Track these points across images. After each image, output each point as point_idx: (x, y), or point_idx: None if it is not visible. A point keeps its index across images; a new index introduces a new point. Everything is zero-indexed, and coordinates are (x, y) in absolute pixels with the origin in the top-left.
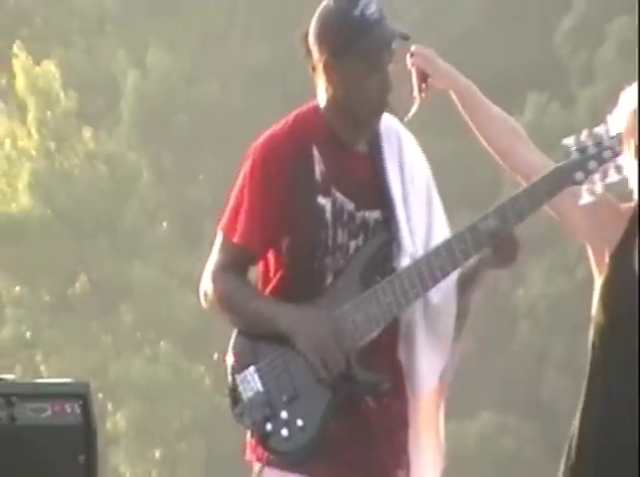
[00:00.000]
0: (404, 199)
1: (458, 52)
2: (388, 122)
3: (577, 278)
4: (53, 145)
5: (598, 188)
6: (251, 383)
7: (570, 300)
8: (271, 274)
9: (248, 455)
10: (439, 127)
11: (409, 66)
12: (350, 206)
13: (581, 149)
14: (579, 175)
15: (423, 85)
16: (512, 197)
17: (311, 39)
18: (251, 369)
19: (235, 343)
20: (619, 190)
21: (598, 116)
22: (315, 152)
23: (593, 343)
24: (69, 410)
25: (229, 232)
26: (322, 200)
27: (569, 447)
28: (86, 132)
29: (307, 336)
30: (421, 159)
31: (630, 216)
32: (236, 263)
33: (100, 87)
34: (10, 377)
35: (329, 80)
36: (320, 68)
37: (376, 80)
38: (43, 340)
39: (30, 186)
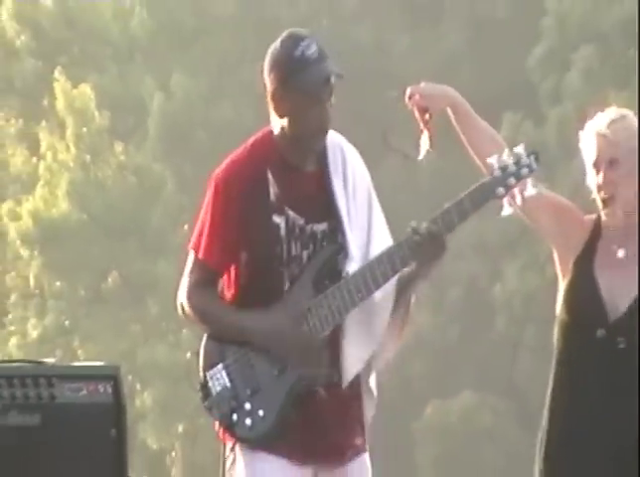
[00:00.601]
0: (348, 211)
1: (442, 76)
2: (332, 138)
3: (547, 276)
4: (88, 158)
5: (517, 201)
6: (220, 379)
7: (541, 295)
8: (232, 284)
9: (221, 435)
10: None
11: (410, 107)
12: (300, 221)
13: (503, 167)
14: (500, 190)
15: (427, 119)
16: (443, 210)
17: (264, 74)
18: (220, 366)
19: (205, 344)
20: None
21: (566, 133)
22: (269, 175)
23: (558, 338)
24: (101, 390)
25: (197, 249)
26: (277, 218)
27: (543, 431)
28: (118, 147)
29: (281, 343)
30: (363, 171)
31: (591, 229)
32: (204, 278)
33: (130, 108)
34: (51, 360)
35: (276, 109)
36: (270, 98)
37: (316, 111)
38: (80, 328)
39: (68, 194)
